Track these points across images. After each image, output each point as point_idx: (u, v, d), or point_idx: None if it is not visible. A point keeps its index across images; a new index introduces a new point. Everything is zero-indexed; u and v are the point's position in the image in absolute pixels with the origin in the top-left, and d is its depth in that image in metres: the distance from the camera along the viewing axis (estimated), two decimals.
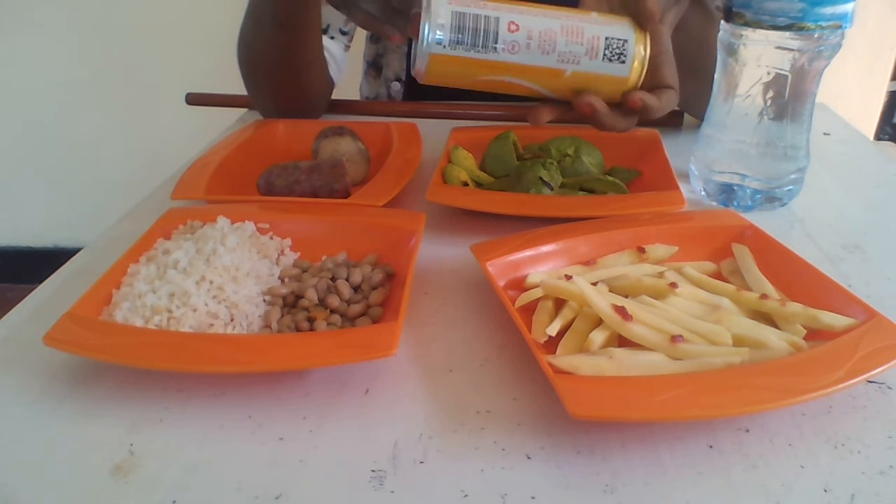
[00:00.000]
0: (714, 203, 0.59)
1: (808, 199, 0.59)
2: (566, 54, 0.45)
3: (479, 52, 0.44)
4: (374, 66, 0.97)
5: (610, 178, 0.59)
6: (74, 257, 0.53)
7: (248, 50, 0.74)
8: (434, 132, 0.70)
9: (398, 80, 0.93)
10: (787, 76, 0.52)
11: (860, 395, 0.37)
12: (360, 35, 0.90)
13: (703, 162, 0.59)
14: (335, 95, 0.84)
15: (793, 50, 0.51)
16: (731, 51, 0.54)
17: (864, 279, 0.48)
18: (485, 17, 0.44)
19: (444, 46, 0.44)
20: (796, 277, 0.44)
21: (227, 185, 0.60)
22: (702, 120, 0.60)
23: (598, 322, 0.40)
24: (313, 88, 0.78)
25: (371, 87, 0.98)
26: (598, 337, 0.38)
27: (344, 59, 0.85)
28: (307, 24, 0.68)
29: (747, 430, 0.35)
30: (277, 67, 0.72)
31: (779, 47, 0.51)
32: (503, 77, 0.46)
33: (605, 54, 0.45)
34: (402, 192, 0.57)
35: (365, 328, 0.41)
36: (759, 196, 0.57)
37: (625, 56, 0.46)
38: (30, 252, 1.95)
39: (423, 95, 0.90)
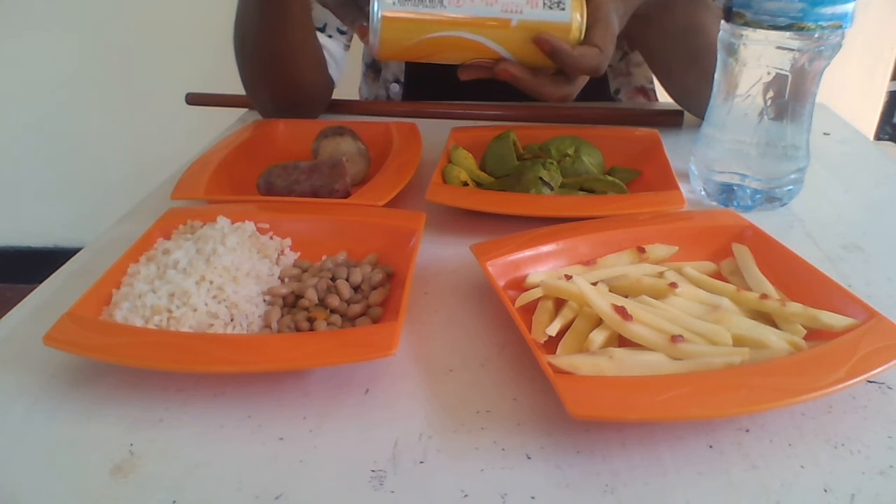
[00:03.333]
0: (714, 203, 0.59)
1: (808, 199, 0.59)
2: (509, 4, 0.49)
3: (427, 6, 0.48)
4: (373, 69, 0.97)
5: (610, 178, 0.59)
6: (74, 257, 0.53)
7: (241, 37, 0.73)
8: (434, 132, 0.70)
9: (397, 81, 0.93)
10: (787, 76, 0.52)
11: (860, 395, 0.37)
12: None
13: (703, 162, 0.59)
14: (335, 96, 0.84)
15: (793, 50, 0.51)
16: (731, 51, 0.54)
17: (864, 279, 0.48)
18: None
19: (395, 4, 0.48)
20: (796, 277, 0.44)
21: (227, 185, 0.60)
22: (703, 117, 0.60)
23: (598, 322, 0.40)
24: (308, 77, 0.77)
25: (370, 88, 0.98)
26: (598, 337, 0.38)
27: (343, 59, 0.85)
28: None
29: (747, 430, 0.35)
30: (269, 49, 0.71)
31: (779, 47, 0.51)
32: (454, 33, 0.49)
33: (544, 2, 0.49)
34: (402, 192, 0.57)
35: (365, 328, 0.41)
36: (759, 196, 0.57)
37: (563, 3, 0.49)
38: (30, 252, 1.95)
39: (423, 96, 0.90)
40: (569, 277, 0.42)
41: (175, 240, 0.48)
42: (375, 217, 0.52)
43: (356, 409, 0.37)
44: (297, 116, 0.75)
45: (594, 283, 0.43)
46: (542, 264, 0.47)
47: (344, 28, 0.83)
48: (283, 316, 0.43)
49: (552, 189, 0.58)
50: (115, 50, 1.70)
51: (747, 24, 0.51)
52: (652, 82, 0.95)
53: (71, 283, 0.48)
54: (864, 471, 0.32)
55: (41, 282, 0.49)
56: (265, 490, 0.32)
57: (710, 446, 0.34)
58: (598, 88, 0.92)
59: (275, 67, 0.73)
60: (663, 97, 0.85)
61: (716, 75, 0.57)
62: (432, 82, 0.91)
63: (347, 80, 0.91)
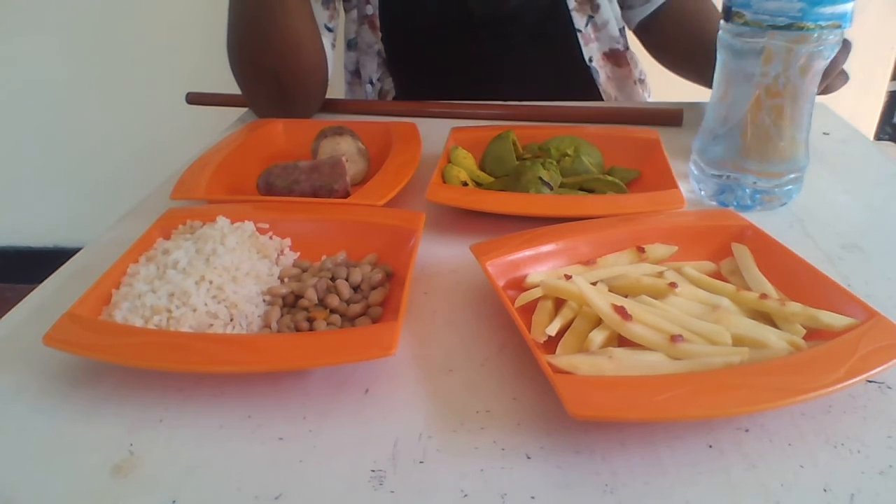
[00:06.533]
0: (714, 203, 0.59)
1: (808, 199, 0.59)
2: None
3: None
4: (356, 75, 0.97)
5: (610, 178, 0.59)
6: (74, 257, 0.53)
7: (235, 16, 0.72)
8: (434, 132, 0.70)
9: (370, 82, 0.93)
10: (786, 76, 0.52)
11: (860, 394, 0.37)
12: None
13: (702, 162, 0.59)
14: (333, 96, 0.84)
15: (792, 50, 0.51)
16: (731, 51, 0.54)
17: (864, 279, 0.48)
18: None
19: None
20: (796, 277, 0.44)
21: (227, 185, 0.60)
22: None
23: (598, 322, 0.40)
24: (301, 32, 0.74)
25: (355, 94, 0.98)
26: (597, 337, 0.38)
27: (332, 56, 0.85)
28: None
29: (747, 430, 0.35)
30: (260, 20, 0.70)
31: (778, 47, 0.51)
32: None
33: None
34: (402, 192, 0.57)
35: (365, 328, 0.41)
36: (758, 196, 0.57)
37: None
38: (30, 252, 1.95)
39: (416, 98, 0.89)
40: (568, 277, 0.42)
41: (175, 240, 0.48)
42: (375, 217, 0.52)
43: (356, 408, 0.37)
44: (292, 101, 0.74)
45: (594, 283, 0.43)
46: (542, 264, 0.47)
47: (331, 25, 0.82)
48: (282, 316, 0.43)
49: (552, 189, 0.58)
50: (114, 49, 1.70)
51: (747, 24, 0.51)
52: (619, 41, 0.92)
53: (71, 283, 0.48)
54: (863, 471, 0.32)
55: (41, 282, 0.49)
56: (265, 490, 0.32)
57: (710, 446, 0.34)
58: (569, 57, 0.90)
59: (271, 37, 0.72)
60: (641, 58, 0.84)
61: (715, 75, 0.57)
62: (425, 89, 0.91)
63: (342, 85, 0.91)
